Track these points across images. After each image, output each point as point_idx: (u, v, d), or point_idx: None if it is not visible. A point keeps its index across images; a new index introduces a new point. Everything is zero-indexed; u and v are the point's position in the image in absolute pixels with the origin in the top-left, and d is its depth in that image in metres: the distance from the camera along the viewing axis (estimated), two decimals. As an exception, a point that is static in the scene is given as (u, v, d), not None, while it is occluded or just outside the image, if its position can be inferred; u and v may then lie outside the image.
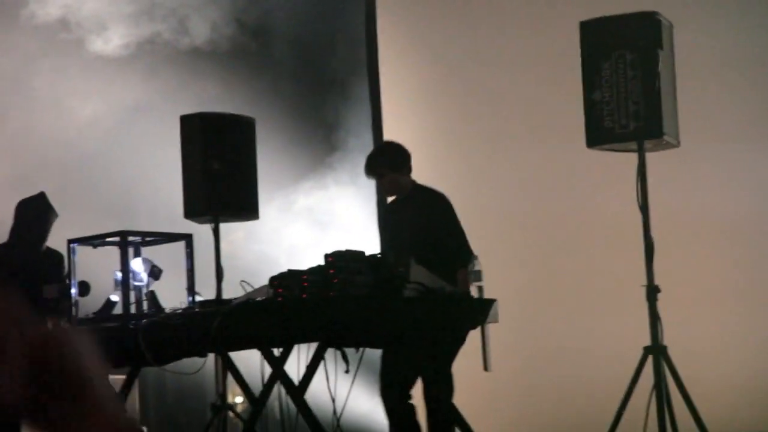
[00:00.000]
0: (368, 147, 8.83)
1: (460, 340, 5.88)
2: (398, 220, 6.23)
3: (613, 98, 6.05)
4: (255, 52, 9.36)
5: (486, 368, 5.80)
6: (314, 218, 9.19)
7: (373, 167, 6.17)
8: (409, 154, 6.20)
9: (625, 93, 6.06)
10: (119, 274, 5.85)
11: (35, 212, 6.50)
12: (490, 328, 5.87)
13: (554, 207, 8.02)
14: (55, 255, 6.43)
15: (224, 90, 9.05)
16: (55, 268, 6.39)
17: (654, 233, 6.01)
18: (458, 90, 8.44)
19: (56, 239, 6.56)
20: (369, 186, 8.79)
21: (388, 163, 6.13)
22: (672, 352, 5.89)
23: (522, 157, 8.17)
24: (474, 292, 5.85)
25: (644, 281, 5.98)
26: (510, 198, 8.16)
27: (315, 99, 9.56)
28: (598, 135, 6.12)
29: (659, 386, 5.81)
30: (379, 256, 5.60)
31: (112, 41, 8.89)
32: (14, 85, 9.01)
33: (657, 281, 5.95)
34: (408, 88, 8.62)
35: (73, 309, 5.91)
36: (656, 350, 5.87)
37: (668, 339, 5.92)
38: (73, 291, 5.92)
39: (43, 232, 6.48)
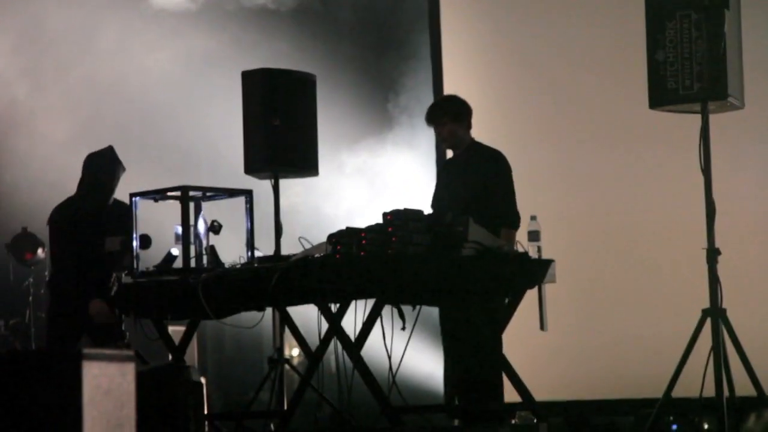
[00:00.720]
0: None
1: (517, 300, 5.89)
2: (454, 176, 6.24)
3: (677, 59, 5.99)
4: (319, 11, 9.36)
5: (542, 328, 5.81)
6: (371, 177, 9.21)
7: (434, 115, 6.21)
8: (471, 109, 6.23)
9: (689, 54, 5.99)
10: (180, 228, 5.91)
11: (103, 166, 6.56)
12: (547, 288, 5.87)
13: (614, 167, 7.96)
14: (122, 206, 6.50)
15: (287, 47, 9.08)
16: (120, 220, 6.46)
17: (715, 196, 5.96)
18: (519, 48, 8.38)
19: (118, 192, 6.64)
20: (428, 146, 8.80)
21: (449, 112, 6.16)
22: (730, 315, 5.86)
23: (583, 116, 8.11)
24: (532, 252, 5.85)
25: (704, 244, 5.93)
26: (569, 157, 8.12)
27: (376, 60, 9.56)
28: (661, 96, 6.06)
29: (717, 349, 5.78)
30: (437, 214, 5.62)
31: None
32: (79, 38, 9.10)
33: (717, 244, 5.90)
34: (469, 49, 8.58)
35: (135, 262, 5.99)
36: (715, 313, 5.84)
37: (727, 301, 5.88)
38: (135, 244, 6.00)
39: (111, 185, 6.55)
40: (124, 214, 6.27)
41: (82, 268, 6.41)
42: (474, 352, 5.93)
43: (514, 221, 6.10)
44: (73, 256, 6.46)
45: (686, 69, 6.01)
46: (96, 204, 6.54)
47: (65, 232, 6.51)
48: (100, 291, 6.21)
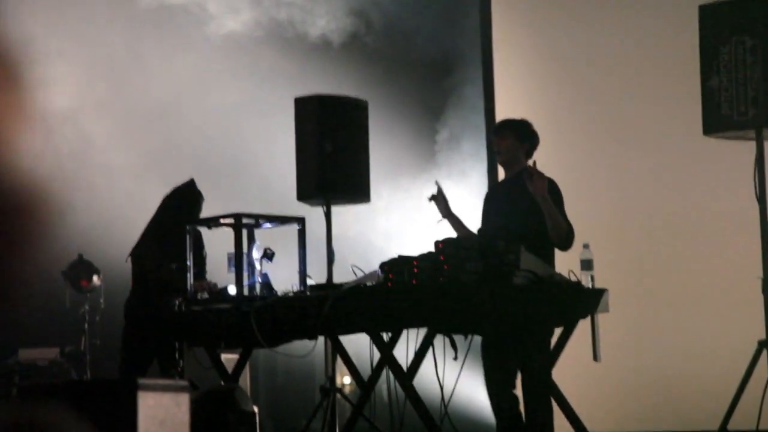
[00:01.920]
0: (478, 145, 8.84)
1: (570, 329, 5.83)
2: (503, 200, 6.20)
3: (731, 84, 5.94)
4: (369, 42, 9.41)
5: (595, 358, 5.75)
6: (422, 205, 9.20)
7: (501, 126, 6.22)
8: (538, 141, 6.17)
9: (744, 79, 5.94)
10: (232, 255, 5.94)
11: (187, 197, 6.81)
12: (600, 318, 5.81)
13: (668, 196, 7.89)
14: (198, 234, 6.70)
15: (339, 74, 9.12)
16: (197, 248, 6.64)
17: (771, 225, 5.89)
18: (572, 76, 8.36)
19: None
20: (479, 176, 8.78)
21: (516, 130, 6.15)
22: (787, 347, 5.78)
23: (636, 145, 8.06)
24: (585, 280, 5.80)
25: (760, 273, 5.86)
26: (622, 187, 8.06)
27: (428, 88, 9.58)
28: (715, 122, 6.01)
29: (774, 381, 5.70)
30: (489, 242, 5.59)
31: (235, 25, 9.03)
32: (135, 62, 9.20)
33: (774, 274, 5.83)
34: (521, 76, 8.56)
35: (189, 288, 6.03)
36: (771, 344, 5.76)
37: (783, 333, 5.81)
38: (190, 271, 6.04)
39: (195, 217, 6.70)
40: (198, 242, 6.48)
41: (162, 296, 6.54)
42: (523, 384, 5.88)
43: (569, 232, 5.94)
44: (151, 284, 6.65)
45: (741, 95, 5.96)
46: (179, 236, 6.67)
47: (144, 262, 6.70)
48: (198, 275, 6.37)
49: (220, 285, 6.20)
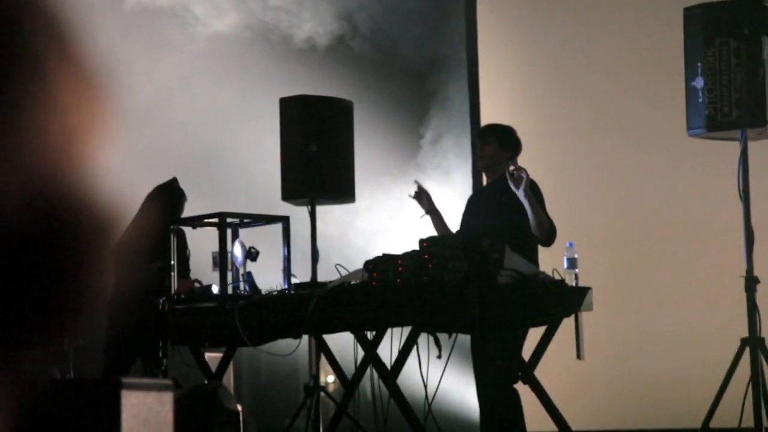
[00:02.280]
0: (463, 145, 8.86)
1: (554, 328, 5.84)
2: (485, 203, 6.21)
3: (715, 86, 5.97)
4: (356, 44, 9.42)
5: (579, 356, 5.77)
6: (405, 204, 9.21)
7: (485, 132, 6.22)
8: (521, 149, 6.16)
9: (728, 81, 5.97)
10: (217, 254, 5.94)
11: (169, 197, 6.77)
12: (584, 316, 5.83)
13: (652, 195, 7.93)
14: (181, 233, 6.69)
15: (323, 74, 9.13)
16: (180, 247, 6.64)
17: (754, 223, 5.92)
18: (558, 76, 8.38)
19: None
20: (463, 177, 8.79)
21: (499, 136, 6.14)
22: (770, 345, 5.81)
23: (620, 145, 8.09)
24: (569, 279, 5.82)
25: (743, 272, 5.89)
26: (606, 186, 8.09)
27: (413, 87, 9.59)
28: (699, 123, 6.04)
29: (756, 379, 5.73)
30: (473, 240, 5.60)
31: (222, 27, 9.03)
32: (121, 67, 9.19)
33: (756, 272, 5.86)
34: (507, 76, 8.58)
35: (173, 287, 6.02)
36: (754, 342, 5.79)
37: (766, 330, 5.84)
38: (173, 270, 6.04)
39: (176, 216, 6.68)
40: (181, 241, 6.47)
41: (144, 295, 6.52)
42: (493, 378, 5.90)
43: (550, 228, 5.97)
44: (135, 283, 6.62)
45: (725, 96, 5.99)
46: (163, 235, 6.64)
47: (130, 260, 6.68)
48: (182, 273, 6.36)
49: (204, 284, 6.20)
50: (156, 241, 6.48)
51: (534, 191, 6.03)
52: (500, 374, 5.82)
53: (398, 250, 5.47)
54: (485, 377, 5.92)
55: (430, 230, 6.16)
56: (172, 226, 6.12)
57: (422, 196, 6.22)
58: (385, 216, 9.14)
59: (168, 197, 6.81)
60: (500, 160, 6.15)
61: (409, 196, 6.26)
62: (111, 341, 6.74)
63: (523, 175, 5.86)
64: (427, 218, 6.24)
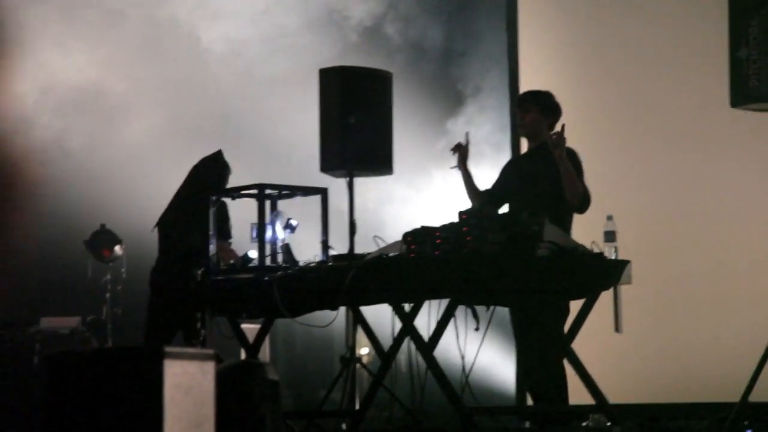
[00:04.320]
0: (503, 116, 8.82)
1: (592, 301, 5.83)
2: (524, 171, 6.20)
3: (760, 56, 5.90)
4: (392, 29, 9.40)
5: (617, 329, 5.75)
6: (446, 177, 9.19)
7: (525, 99, 6.25)
8: (561, 112, 6.21)
9: (772, 51, 5.90)
10: (255, 225, 5.96)
11: (214, 169, 6.82)
12: (623, 289, 5.81)
13: (693, 167, 7.86)
14: (223, 206, 6.74)
15: (362, 44, 9.11)
16: (222, 219, 6.68)
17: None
18: (596, 48, 8.31)
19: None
20: (501, 149, 8.76)
21: (540, 103, 6.17)
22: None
23: (661, 116, 8.02)
24: (608, 252, 5.80)
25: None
26: (646, 158, 8.03)
27: (452, 62, 9.56)
28: (744, 94, 5.99)
29: (797, 352, 5.68)
30: (512, 214, 5.59)
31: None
32: (162, 35, 9.21)
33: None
34: (545, 50, 8.52)
35: (212, 257, 6.04)
36: (795, 315, 5.75)
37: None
38: (212, 241, 6.06)
39: (221, 187, 6.71)
40: (223, 213, 6.52)
41: (186, 267, 6.55)
42: (542, 353, 5.90)
43: (583, 195, 6.00)
44: (178, 254, 6.66)
45: (769, 67, 5.93)
46: (205, 206, 6.67)
47: (173, 231, 6.72)
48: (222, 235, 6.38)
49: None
50: (200, 213, 6.50)
51: (572, 160, 6.02)
52: (546, 350, 5.81)
53: (438, 222, 5.46)
54: (530, 352, 5.92)
55: (465, 205, 6.14)
56: (211, 198, 6.14)
57: (461, 151, 6.25)
58: (425, 188, 9.13)
59: (213, 169, 6.83)
60: (541, 126, 6.17)
61: (451, 150, 6.30)
62: (152, 312, 6.77)
63: (563, 140, 5.89)
64: (457, 173, 6.27)
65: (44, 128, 9.31)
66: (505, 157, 8.61)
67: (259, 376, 4.73)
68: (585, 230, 6.06)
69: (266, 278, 5.75)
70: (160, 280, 6.76)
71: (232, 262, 6.21)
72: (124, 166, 9.09)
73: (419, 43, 9.49)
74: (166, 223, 6.84)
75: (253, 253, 5.97)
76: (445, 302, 5.52)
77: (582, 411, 6.04)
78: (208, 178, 6.80)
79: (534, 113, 6.16)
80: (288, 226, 6.03)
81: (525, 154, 6.42)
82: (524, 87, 8.27)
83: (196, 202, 6.62)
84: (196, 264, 6.22)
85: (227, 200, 6.52)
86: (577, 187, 5.92)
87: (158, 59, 9.27)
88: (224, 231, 6.61)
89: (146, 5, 9.20)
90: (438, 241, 5.35)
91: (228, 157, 7.02)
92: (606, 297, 5.80)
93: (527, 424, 6.30)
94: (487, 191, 6.26)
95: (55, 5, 9.13)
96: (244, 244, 6.14)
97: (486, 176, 8.77)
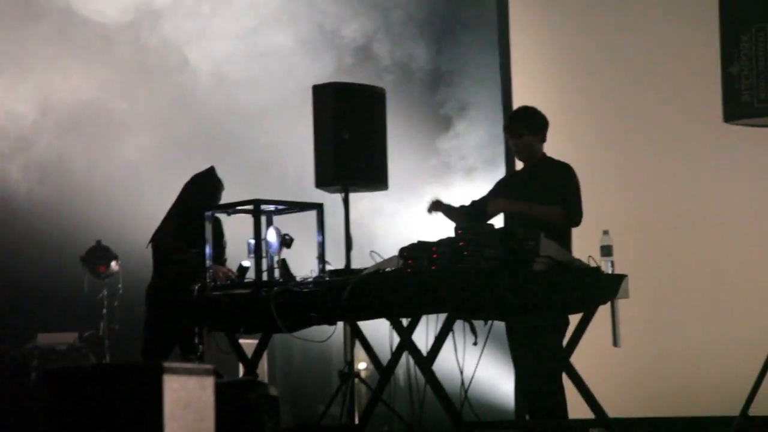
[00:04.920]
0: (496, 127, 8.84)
1: (589, 315, 5.83)
2: (519, 187, 6.21)
3: (752, 72, 5.93)
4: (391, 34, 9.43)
5: (615, 344, 5.76)
6: (441, 190, 9.20)
7: (512, 126, 6.21)
8: (548, 123, 6.21)
9: (764, 66, 5.93)
10: (252, 242, 5.96)
11: (207, 185, 6.86)
12: (620, 303, 5.81)
13: (688, 183, 7.88)
14: (218, 222, 6.76)
15: (356, 60, 9.13)
16: (216, 236, 6.69)
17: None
18: (589, 61, 8.33)
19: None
20: (494, 169, 8.77)
21: (527, 125, 6.15)
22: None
23: (656, 133, 8.04)
24: (604, 267, 5.81)
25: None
26: (641, 171, 8.05)
27: (444, 76, 9.59)
28: (736, 110, 6.01)
29: (795, 365, 5.69)
30: (509, 229, 5.60)
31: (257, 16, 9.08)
32: (165, 56, 9.24)
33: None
34: (537, 62, 8.54)
35: (208, 275, 6.04)
36: (792, 328, 5.76)
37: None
38: (208, 258, 6.06)
39: (214, 204, 6.71)
40: (218, 227, 6.55)
41: (182, 283, 6.54)
42: (540, 368, 5.90)
43: (572, 211, 5.99)
44: (172, 271, 6.66)
45: (761, 82, 5.95)
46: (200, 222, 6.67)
47: (167, 248, 6.73)
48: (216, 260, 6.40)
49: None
50: (193, 229, 6.51)
51: (565, 175, 6.03)
52: (545, 364, 5.81)
53: (434, 237, 5.46)
54: (527, 368, 5.92)
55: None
56: (207, 214, 6.14)
57: (440, 209, 6.25)
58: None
59: (205, 185, 6.86)
60: (534, 146, 6.18)
61: (427, 211, 6.27)
62: (148, 328, 6.77)
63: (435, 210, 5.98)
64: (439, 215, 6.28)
65: (41, 147, 9.34)
66: (499, 172, 8.63)
67: (259, 391, 4.73)
68: (581, 245, 6.08)
69: (263, 293, 5.76)
70: (156, 296, 6.77)
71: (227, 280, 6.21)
72: (119, 183, 9.10)
73: (408, 62, 9.52)
74: (159, 240, 6.86)
75: (248, 263, 5.99)
76: (443, 317, 5.53)
77: (582, 425, 6.04)
78: (202, 195, 6.82)
79: (525, 136, 6.15)
80: (284, 242, 6.04)
81: (519, 171, 6.42)
82: (517, 102, 8.28)
83: (190, 219, 6.64)
84: (191, 281, 6.22)
85: (222, 216, 6.53)
86: (549, 214, 5.89)
87: (151, 79, 9.29)
88: (219, 248, 6.63)
89: (140, 26, 9.22)
90: (435, 256, 5.35)
91: (222, 173, 7.05)
92: (603, 311, 5.80)
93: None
94: (469, 205, 6.26)
95: (52, 25, 9.16)
96: (239, 259, 6.15)
97: (479, 191, 8.80)
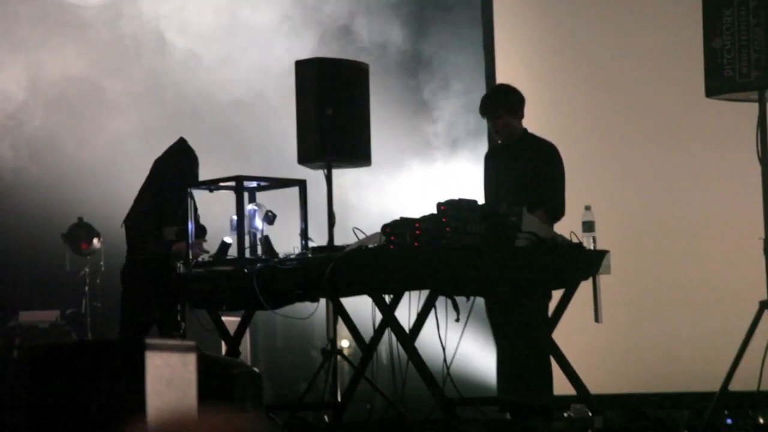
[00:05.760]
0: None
1: (571, 291, 5.84)
2: (503, 165, 6.20)
3: (734, 46, 5.92)
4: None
5: (597, 319, 5.78)
6: (424, 167, 9.21)
7: (489, 107, 6.17)
8: (524, 99, 6.18)
9: (746, 41, 5.92)
10: (234, 218, 5.94)
11: (186, 157, 6.65)
12: (602, 279, 5.83)
13: (669, 158, 7.89)
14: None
15: (341, 35, 9.11)
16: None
17: (773, 186, 5.89)
18: (570, 38, 8.32)
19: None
20: (479, 141, 8.77)
21: (504, 105, 6.12)
22: (789, 308, 5.79)
23: (636, 106, 8.04)
24: (586, 242, 5.82)
25: (762, 234, 5.87)
26: (622, 149, 8.05)
27: (428, 51, 9.57)
28: (718, 84, 6.00)
29: (775, 342, 5.72)
30: (491, 204, 5.60)
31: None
32: (146, 40, 9.20)
33: (775, 235, 5.84)
34: (521, 40, 8.52)
35: (190, 252, 6.02)
36: (773, 305, 5.77)
37: (785, 294, 5.82)
38: (190, 234, 6.03)
39: (190, 177, 6.59)
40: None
41: (159, 262, 6.46)
42: (524, 344, 5.91)
43: (555, 208, 6.02)
44: (149, 249, 6.54)
45: (744, 57, 5.95)
46: (179, 199, 6.57)
47: (142, 226, 6.59)
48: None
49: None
50: (169, 205, 6.45)
51: (551, 160, 6.02)
52: (528, 340, 5.83)
53: (417, 213, 5.46)
54: (507, 345, 5.93)
55: (444, 195, 6.15)
56: (189, 190, 6.09)
57: None
58: (405, 178, 9.15)
59: (179, 159, 6.69)
60: (514, 124, 6.17)
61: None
62: (125, 308, 6.68)
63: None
64: (443, 183, 6.26)
65: (30, 125, 9.30)
66: (483, 144, 8.61)
67: (241, 368, 4.73)
68: (564, 220, 6.09)
69: (246, 270, 5.74)
70: (130, 278, 6.64)
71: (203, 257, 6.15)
72: (101, 160, 9.07)
73: (389, 40, 9.50)
74: (135, 218, 6.73)
75: (230, 240, 5.96)
76: (425, 293, 5.53)
77: (564, 401, 6.06)
78: (181, 167, 6.65)
79: (503, 117, 6.12)
80: (266, 218, 6.02)
81: (501, 146, 6.40)
82: (500, 71, 8.27)
83: (168, 194, 6.53)
84: (169, 258, 6.18)
85: (203, 192, 6.43)
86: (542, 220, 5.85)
87: (137, 58, 9.25)
88: (198, 225, 6.56)
89: (123, 6, 9.18)
90: (417, 233, 5.35)
91: (205, 150, 6.95)
92: (586, 287, 5.81)
93: (508, 415, 6.31)
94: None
95: (41, 7, 9.11)
96: (222, 236, 6.12)
97: (464, 167, 8.80)
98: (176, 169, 6.63)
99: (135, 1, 9.18)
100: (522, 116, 6.21)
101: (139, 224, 6.63)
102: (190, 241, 6.01)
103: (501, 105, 6.12)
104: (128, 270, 6.66)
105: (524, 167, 6.07)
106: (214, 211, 6.71)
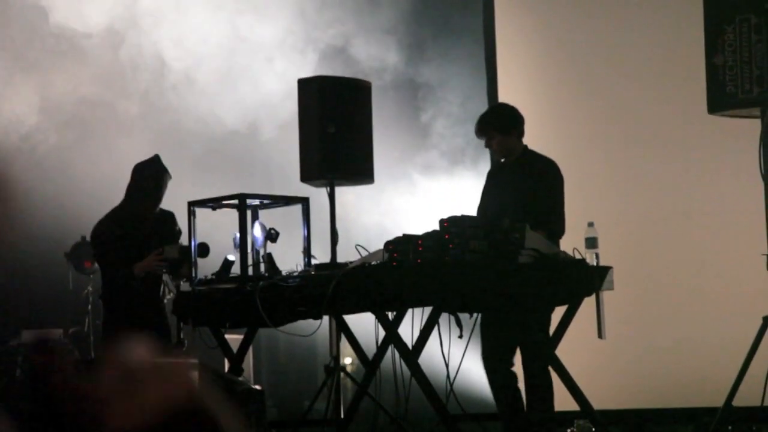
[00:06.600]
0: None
1: (574, 307, 5.83)
2: (503, 184, 6.18)
3: (736, 63, 5.93)
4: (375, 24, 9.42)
5: (600, 336, 5.76)
6: (426, 184, 9.21)
7: (481, 128, 6.10)
8: (521, 117, 6.07)
9: (748, 57, 5.93)
10: (237, 236, 5.94)
11: (151, 174, 6.45)
12: (605, 295, 5.82)
13: (672, 174, 7.89)
14: (167, 214, 6.51)
15: (342, 53, 9.12)
16: (169, 227, 6.50)
17: (775, 202, 5.89)
18: (573, 54, 8.33)
19: (176, 201, 6.66)
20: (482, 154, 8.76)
21: (496, 125, 6.04)
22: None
23: (639, 122, 8.04)
24: (589, 258, 5.81)
25: (765, 250, 5.87)
26: (625, 164, 8.05)
27: (430, 67, 9.57)
28: (720, 100, 6.01)
29: (778, 357, 5.71)
30: (493, 221, 5.59)
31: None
32: (148, 54, 9.22)
33: (778, 251, 5.83)
34: (522, 56, 8.54)
35: (192, 270, 6.02)
36: (776, 321, 5.77)
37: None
38: (193, 252, 6.03)
39: (158, 193, 6.46)
40: (169, 221, 6.36)
41: (125, 281, 6.37)
42: (527, 360, 5.89)
43: (555, 230, 5.94)
44: (122, 266, 6.42)
45: (745, 73, 5.95)
46: (142, 212, 6.50)
47: (112, 244, 6.43)
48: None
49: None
50: (131, 226, 6.35)
51: (551, 178, 5.98)
52: (532, 355, 5.79)
53: (419, 230, 5.46)
54: (501, 357, 5.90)
55: (448, 211, 6.14)
56: (157, 210, 5.99)
57: None
58: (406, 196, 9.14)
59: (147, 176, 6.42)
60: (509, 143, 6.05)
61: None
62: (107, 331, 6.55)
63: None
64: (446, 201, 6.24)
65: (32, 143, 9.32)
66: (486, 160, 8.62)
67: (244, 385, 4.73)
68: (567, 237, 6.08)
69: (249, 288, 5.74)
70: (111, 297, 6.50)
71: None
72: (103, 179, 9.07)
73: (389, 59, 9.51)
74: (98, 234, 6.50)
75: (233, 257, 5.96)
76: (428, 310, 5.53)
77: (567, 417, 6.05)
78: (146, 184, 6.39)
79: (497, 137, 6.03)
80: (269, 236, 6.02)
81: (504, 164, 6.38)
82: (502, 95, 8.27)
83: (131, 214, 6.39)
84: (130, 278, 6.14)
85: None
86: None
87: (136, 78, 9.27)
88: (155, 246, 6.36)
89: (127, 29, 9.21)
90: (420, 249, 5.35)
91: (208, 169, 6.93)
92: (589, 303, 5.81)
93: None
94: (479, 207, 6.21)
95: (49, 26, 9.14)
96: (225, 253, 6.12)
97: (467, 184, 8.78)
98: (147, 183, 6.43)
99: (142, 24, 9.22)
100: (520, 134, 6.08)
101: (105, 239, 6.46)
102: (194, 256, 6.01)
103: (492, 126, 6.03)
104: (106, 293, 6.55)
105: (523, 185, 6.04)
106: (217, 228, 6.71)
